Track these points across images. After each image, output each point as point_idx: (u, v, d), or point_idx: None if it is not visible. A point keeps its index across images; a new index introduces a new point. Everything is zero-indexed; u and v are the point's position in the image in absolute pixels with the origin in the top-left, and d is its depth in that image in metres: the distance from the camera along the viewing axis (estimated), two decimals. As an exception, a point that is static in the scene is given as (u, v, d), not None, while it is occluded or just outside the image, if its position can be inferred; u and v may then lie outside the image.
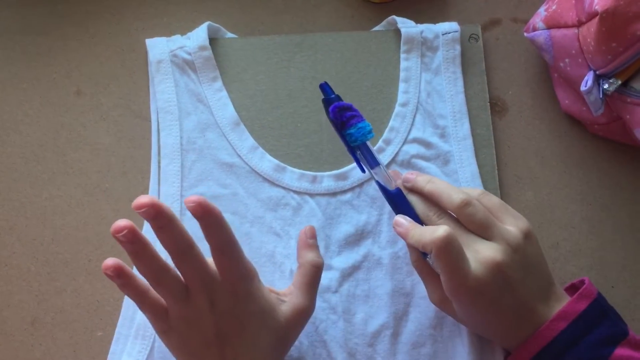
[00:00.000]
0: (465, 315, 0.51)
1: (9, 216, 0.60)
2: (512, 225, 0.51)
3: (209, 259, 0.48)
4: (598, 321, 0.50)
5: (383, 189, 0.53)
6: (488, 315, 0.50)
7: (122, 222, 0.44)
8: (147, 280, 0.47)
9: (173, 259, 0.46)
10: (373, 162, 0.54)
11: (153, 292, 0.48)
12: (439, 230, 0.47)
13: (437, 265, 0.49)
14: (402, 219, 0.52)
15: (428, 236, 0.48)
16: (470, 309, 0.50)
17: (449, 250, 0.47)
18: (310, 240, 0.56)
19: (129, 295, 0.48)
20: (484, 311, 0.50)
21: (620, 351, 0.49)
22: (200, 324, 0.48)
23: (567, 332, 0.49)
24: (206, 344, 0.48)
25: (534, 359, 0.49)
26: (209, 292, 0.47)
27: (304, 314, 0.52)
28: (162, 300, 0.48)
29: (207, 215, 0.45)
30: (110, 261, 0.45)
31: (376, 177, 0.54)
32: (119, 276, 0.46)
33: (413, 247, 0.52)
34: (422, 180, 0.53)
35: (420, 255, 0.52)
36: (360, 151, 0.54)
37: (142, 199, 0.43)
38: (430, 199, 0.53)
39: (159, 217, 0.44)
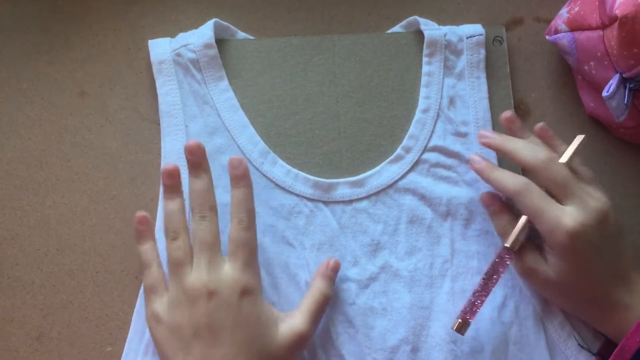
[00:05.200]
0: (560, 272, 0.50)
1: (10, 225, 0.57)
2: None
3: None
4: None
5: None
6: (586, 267, 0.49)
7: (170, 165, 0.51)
8: (168, 231, 0.50)
9: (194, 213, 0.49)
10: None
11: (161, 267, 0.51)
12: (521, 176, 0.51)
13: (525, 207, 0.50)
14: (479, 157, 0.55)
15: (510, 178, 0.51)
16: (568, 256, 0.49)
17: (532, 190, 0.50)
18: (330, 272, 0.54)
19: (142, 252, 0.51)
20: (582, 261, 0.49)
21: None
22: (195, 308, 0.47)
23: None
24: (196, 333, 0.46)
25: None
26: (212, 267, 0.48)
27: (302, 338, 0.50)
28: (166, 279, 0.50)
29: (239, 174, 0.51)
30: (140, 213, 0.53)
31: None
32: (142, 222, 0.52)
33: (499, 213, 0.54)
34: (499, 138, 0.55)
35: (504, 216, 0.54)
36: None
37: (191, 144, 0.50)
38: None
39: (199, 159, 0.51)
